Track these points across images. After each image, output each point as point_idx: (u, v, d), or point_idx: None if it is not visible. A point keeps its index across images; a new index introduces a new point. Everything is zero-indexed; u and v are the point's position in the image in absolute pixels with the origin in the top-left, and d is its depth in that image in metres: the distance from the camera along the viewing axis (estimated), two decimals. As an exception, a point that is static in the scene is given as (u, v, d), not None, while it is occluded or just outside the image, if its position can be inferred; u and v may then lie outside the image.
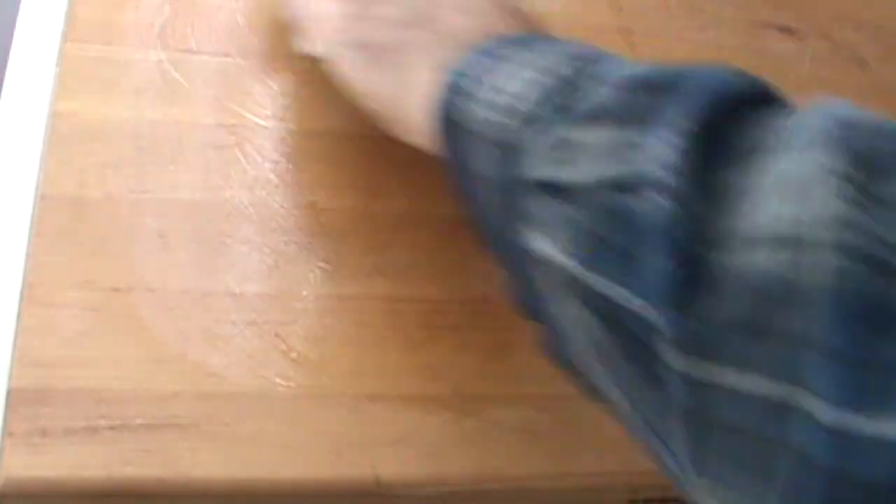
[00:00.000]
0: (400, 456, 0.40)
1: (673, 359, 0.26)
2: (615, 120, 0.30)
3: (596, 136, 0.30)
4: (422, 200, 0.46)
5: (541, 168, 0.31)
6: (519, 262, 0.33)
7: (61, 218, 0.41)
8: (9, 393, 0.37)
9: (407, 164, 0.47)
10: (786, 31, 0.58)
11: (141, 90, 0.45)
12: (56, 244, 0.41)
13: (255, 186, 0.44)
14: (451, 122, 0.36)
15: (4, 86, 0.44)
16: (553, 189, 0.31)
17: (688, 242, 0.26)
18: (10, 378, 0.38)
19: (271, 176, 0.45)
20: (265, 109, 0.46)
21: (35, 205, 0.41)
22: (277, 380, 0.40)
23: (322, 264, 0.43)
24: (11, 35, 0.45)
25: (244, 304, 0.42)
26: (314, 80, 0.47)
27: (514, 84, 0.34)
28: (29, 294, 0.40)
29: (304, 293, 0.43)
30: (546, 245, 0.31)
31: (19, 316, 0.39)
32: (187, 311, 0.41)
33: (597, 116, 0.31)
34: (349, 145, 0.47)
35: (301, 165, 0.45)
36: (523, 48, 0.36)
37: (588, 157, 0.30)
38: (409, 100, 0.39)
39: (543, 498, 0.44)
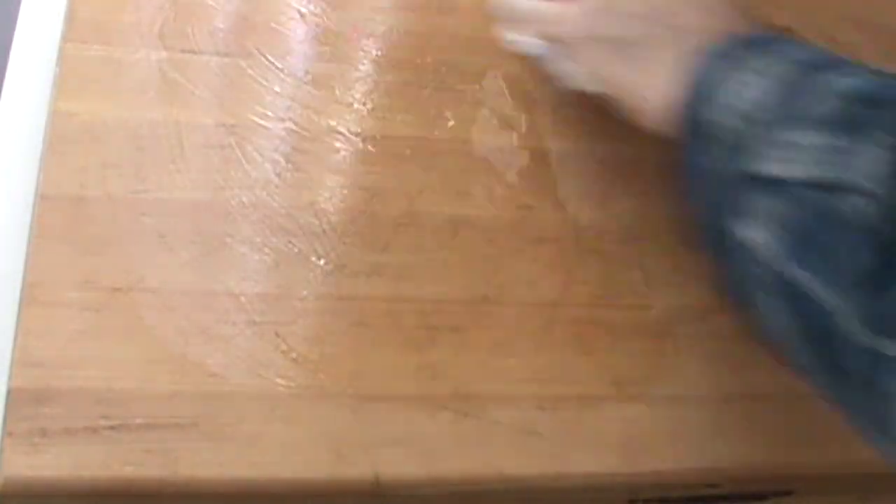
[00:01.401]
0: (400, 456, 0.40)
1: (861, 338, 0.30)
2: (832, 127, 0.33)
3: (813, 140, 0.34)
4: (423, 200, 0.46)
5: (759, 164, 0.35)
6: (730, 251, 0.37)
7: (61, 218, 0.41)
8: (9, 393, 0.38)
9: (407, 164, 0.47)
10: (786, 31, 0.58)
11: (141, 90, 0.45)
12: (56, 244, 0.41)
13: (255, 186, 0.44)
14: (692, 123, 0.39)
15: (4, 86, 0.44)
16: (768, 184, 0.34)
17: (889, 241, 0.30)
18: (10, 378, 0.38)
19: (271, 176, 0.45)
20: (265, 109, 0.46)
21: (35, 205, 0.41)
22: (277, 380, 0.40)
23: (322, 264, 0.43)
24: (11, 35, 0.45)
25: (244, 304, 0.42)
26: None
27: (751, 91, 0.37)
28: (29, 294, 0.40)
29: (304, 293, 0.43)
30: (755, 234, 0.35)
31: (19, 316, 0.39)
32: (187, 311, 0.41)
33: (817, 122, 0.34)
34: (352, 146, 0.47)
35: (301, 165, 0.45)
36: (758, 53, 0.38)
37: (803, 158, 0.33)
38: (649, 92, 0.42)
39: (543, 498, 0.44)
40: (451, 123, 0.48)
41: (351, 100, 0.48)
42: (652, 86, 0.42)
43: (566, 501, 0.45)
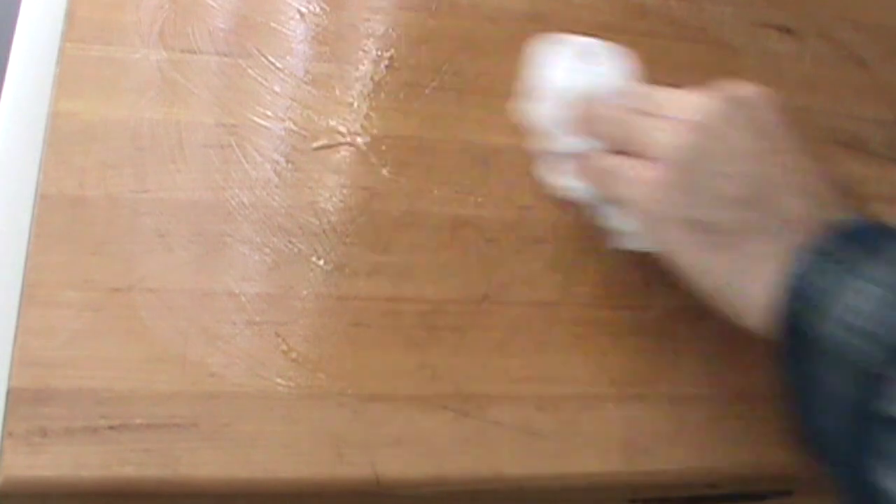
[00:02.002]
0: (400, 456, 0.40)
1: None
2: None
3: None
4: (423, 200, 0.46)
5: (892, 404, 0.32)
6: (864, 494, 0.33)
7: (61, 218, 0.41)
8: (9, 393, 0.38)
9: (407, 164, 0.47)
10: (786, 31, 0.58)
11: (141, 90, 0.45)
12: (56, 244, 0.41)
13: (255, 186, 0.44)
14: (799, 334, 0.36)
15: (4, 86, 0.44)
16: None
17: None
18: (10, 378, 0.38)
19: (271, 176, 0.45)
20: (265, 109, 0.46)
21: (35, 205, 0.41)
22: (277, 380, 0.40)
23: (322, 264, 0.43)
24: (11, 35, 0.45)
25: (244, 304, 0.42)
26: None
27: (867, 303, 0.34)
28: (29, 294, 0.40)
29: (304, 293, 0.43)
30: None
31: (19, 316, 0.39)
32: (187, 311, 0.41)
33: None
34: (350, 145, 0.47)
35: (301, 165, 0.45)
36: (868, 254, 0.36)
37: None
38: (748, 289, 0.39)
39: (543, 498, 0.44)
40: (450, 123, 0.48)
41: (351, 100, 0.48)
42: (749, 284, 0.38)
43: (566, 501, 0.45)
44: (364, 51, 0.49)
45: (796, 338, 0.36)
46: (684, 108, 0.42)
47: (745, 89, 0.42)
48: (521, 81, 0.49)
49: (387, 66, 0.49)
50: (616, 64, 0.48)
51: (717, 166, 0.40)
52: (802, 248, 0.37)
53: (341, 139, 0.47)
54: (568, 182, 0.47)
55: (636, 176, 0.42)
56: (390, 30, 0.50)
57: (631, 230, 0.44)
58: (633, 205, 0.42)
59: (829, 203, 0.39)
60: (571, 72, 0.48)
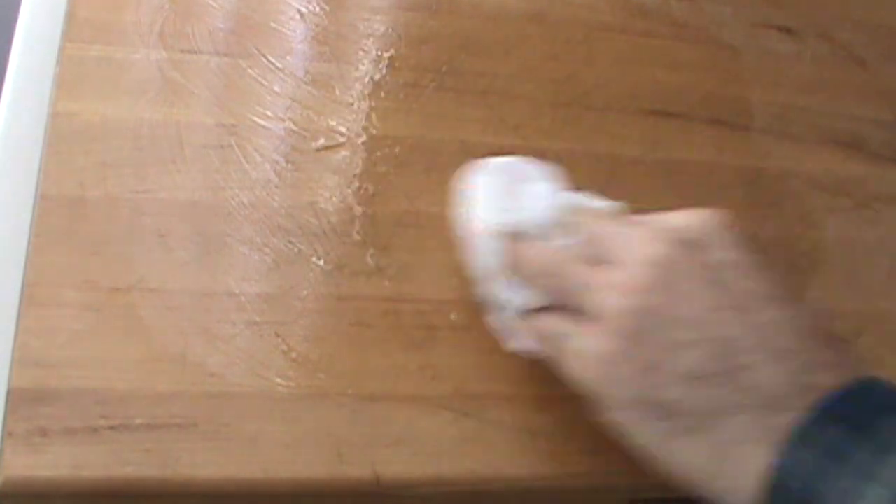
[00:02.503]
0: (400, 456, 0.40)
1: None
2: None
3: None
4: (423, 200, 0.46)
5: None
6: None
7: (61, 218, 0.41)
8: (9, 393, 0.38)
9: (407, 164, 0.47)
10: (786, 31, 0.58)
11: (141, 90, 0.45)
12: (56, 244, 0.41)
13: (255, 186, 0.44)
14: None
15: (4, 86, 0.44)
16: None
17: None
18: (10, 378, 0.38)
19: (271, 176, 0.45)
20: (265, 109, 0.46)
21: (35, 205, 0.41)
22: (277, 380, 0.40)
23: (322, 264, 0.43)
24: (11, 35, 0.45)
25: (244, 304, 0.42)
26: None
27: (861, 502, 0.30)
28: (29, 294, 0.40)
29: (304, 293, 0.43)
30: None
31: (19, 316, 0.39)
32: (187, 311, 0.41)
33: None
34: (352, 146, 0.47)
35: (301, 165, 0.45)
36: (857, 438, 0.31)
37: None
38: (728, 478, 0.33)
39: (543, 498, 0.44)
40: (450, 123, 0.48)
41: (351, 100, 0.48)
42: (729, 473, 0.33)
43: (566, 501, 0.45)
44: (364, 51, 0.49)
45: None
46: (627, 257, 0.36)
47: (693, 223, 0.37)
48: (451, 221, 0.45)
49: (387, 66, 0.49)
50: (548, 186, 0.42)
51: (672, 333, 0.34)
52: (785, 435, 0.32)
53: (341, 139, 0.47)
54: (521, 342, 0.41)
55: (580, 348, 0.36)
56: (390, 30, 0.50)
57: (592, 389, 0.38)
58: (582, 380, 0.37)
59: (812, 364, 0.34)
60: (500, 203, 0.42)
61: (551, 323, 0.39)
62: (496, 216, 0.42)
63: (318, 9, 0.50)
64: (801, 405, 0.32)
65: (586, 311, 0.37)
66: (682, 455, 0.34)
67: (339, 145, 0.46)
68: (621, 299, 0.35)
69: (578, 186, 0.42)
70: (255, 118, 0.46)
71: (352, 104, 0.48)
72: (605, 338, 0.35)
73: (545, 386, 0.43)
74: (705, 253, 0.36)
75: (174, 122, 0.44)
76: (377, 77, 0.49)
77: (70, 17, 0.46)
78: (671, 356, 0.34)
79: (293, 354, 0.41)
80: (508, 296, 0.41)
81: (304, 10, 0.49)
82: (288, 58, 0.48)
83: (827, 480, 0.31)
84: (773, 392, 0.33)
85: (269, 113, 0.46)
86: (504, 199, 0.42)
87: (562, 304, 0.39)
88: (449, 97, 0.49)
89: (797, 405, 0.32)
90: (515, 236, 0.41)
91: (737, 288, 0.35)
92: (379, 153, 0.47)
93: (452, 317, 0.44)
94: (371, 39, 0.50)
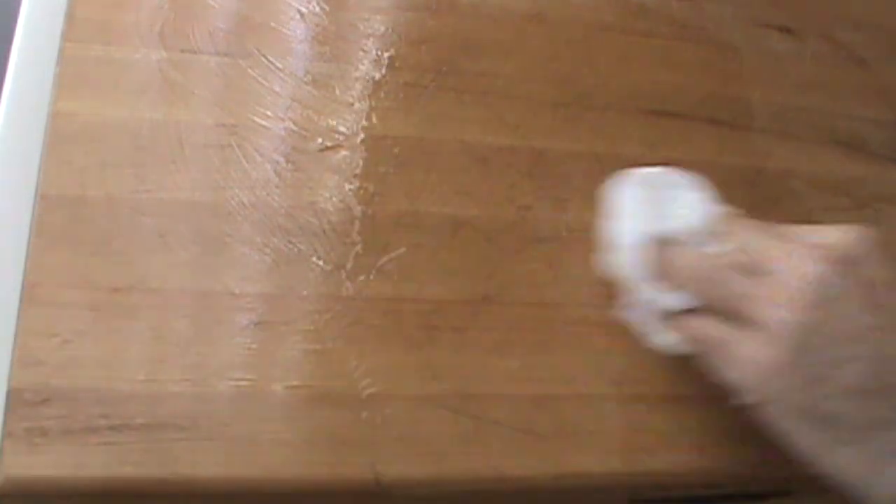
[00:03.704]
0: (400, 456, 0.40)
1: None
2: None
3: None
4: (423, 200, 0.46)
5: None
6: None
7: (61, 218, 0.41)
8: (9, 393, 0.38)
9: (407, 164, 0.47)
10: (786, 31, 0.58)
11: (141, 90, 0.45)
12: (56, 244, 0.41)
13: (255, 186, 0.44)
14: None
15: (4, 86, 0.44)
16: None
17: None
18: (10, 378, 0.38)
19: (271, 176, 0.45)
20: (265, 109, 0.46)
21: (35, 205, 0.41)
22: (277, 380, 0.40)
23: (322, 264, 0.43)
24: (11, 35, 0.45)
25: (244, 304, 0.42)
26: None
27: None
28: (29, 294, 0.40)
29: (304, 293, 0.43)
30: None
31: (19, 316, 0.39)
32: (187, 311, 0.41)
33: None
34: (352, 146, 0.47)
35: (301, 165, 0.45)
36: None
37: None
38: (883, 488, 0.36)
39: (543, 498, 0.44)
40: (450, 123, 0.48)
41: (351, 100, 0.48)
42: (878, 483, 0.36)
43: (566, 501, 0.45)
44: (364, 51, 0.49)
45: None
46: (786, 272, 0.38)
47: (847, 240, 0.38)
48: (599, 230, 0.47)
49: (387, 66, 0.49)
50: (695, 195, 0.44)
51: (835, 350, 0.37)
52: None
53: (341, 139, 0.47)
54: (665, 339, 0.44)
55: (746, 356, 0.38)
56: (390, 30, 0.50)
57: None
58: (744, 385, 0.39)
59: None
60: (649, 212, 0.44)
61: (708, 326, 0.41)
62: (646, 225, 0.44)
63: (318, 9, 0.50)
64: None
65: (746, 319, 0.39)
66: (841, 463, 0.37)
67: (339, 145, 0.46)
68: (786, 313, 0.37)
69: (723, 199, 0.44)
70: (255, 118, 0.46)
71: (352, 104, 0.48)
72: (771, 348, 0.37)
73: (545, 386, 0.43)
74: (860, 271, 0.38)
75: (174, 122, 0.44)
76: (377, 77, 0.49)
77: (70, 17, 0.46)
78: (834, 371, 0.36)
79: (293, 354, 0.41)
80: (655, 297, 0.43)
81: (304, 10, 0.49)
82: (288, 58, 0.48)
83: None
84: None
85: (269, 113, 0.46)
86: (653, 208, 0.44)
87: (713, 309, 0.41)
88: (449, 97, 0.49)
89: None
90: (666, 243, 0.43)
91: (891, 306, 0.37)
92: (379, 153, 0.47)
93: (452, 317, 0.44)
94: (371, 39, 0.50)
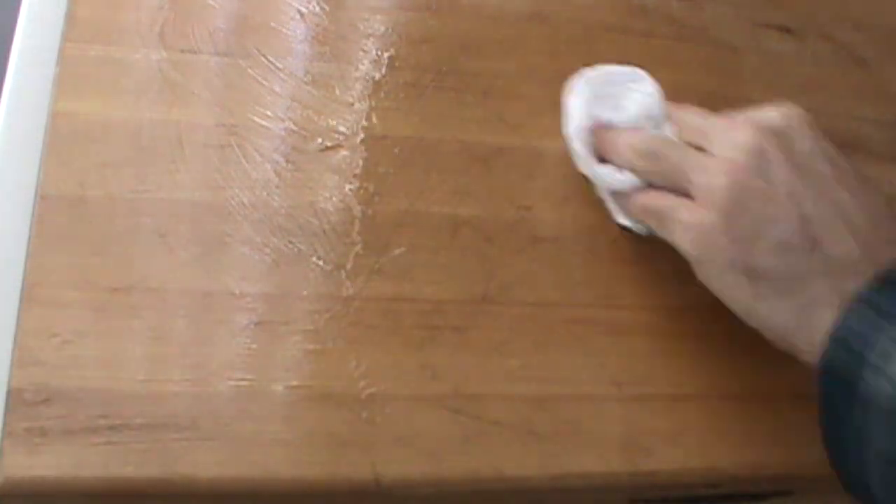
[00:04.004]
0: (400, 456, 0.40)
1: None
2: None
3: None
4: (423, 200, 0.46)
5: None
6: None
7: (61, 218, 0.41)
8: (9, 393, 0.38)
9: (407, 164, 0.47)
10: (786, 31, 0.58)
11: (141, 90, 0.45)
12: (56, 244, 0.41)
13: (255, 186, 0.44)
14: (842, 383, 0.36)
15: (4, 86, 0.44)
16: None
17: None
18: (10, 378, 0.38)
19: (271, 176, 0.45)
20: (265, 109, 0.46)
21: (35, 205, 0.41)
22: (277, 380, 0.40)
23: (322, 264, 0.43)
24: (11, 35, 0.45)
25: (244, 304, 0.42)
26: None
27: None
28: (29, 294, 0.40)
29: (304, 293, 0.43)
30: None
31: (19, 316, 0.39)
32: (187, 311, 0.41)
33: None
34: (352, 146, 0.47)
35: (301, 165, 0.45)
36: None
37: None
38: (805, 335, 0.39)
39: (543, 498, 0.44)
40: (450, 123, 0.48)
41: (351, 100, 0.48)
42: (807, 329, 0.39)
43: (566, 501, 0.45)
44: (364, 51, 0.49)
45: (836, 385, 0.37)
46: (723, 144, 0.42)
47: (777, 116, 0.42)
48: (560, 119, 0.49)
49: (387, 66, 0.49)
50: (644, 89, 0.47)
51: (763, 209, 0.40)
52: (851, 299, 0.37)
53: (341, 139, 0.47)
54: (626, 220, 0.47)
55: (685, 219, 0.42)
56: (390, 30, 0.50)
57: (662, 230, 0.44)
58: (685, 248, 0.42)
59: (881, 239, 0.39)
60: (595, 104, 0.47)
61: (655, 198, 0.44)
62: (591, 115, 0.47)
63: (318, 9, 0.50)
64: (869, 274, 0.38)
65: (687, 189, 0.42)
66: (768, 314, 0.40)
67: (339, 145, 0.46)
68: (721, 178, 0.40)
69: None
70: (255, 118, 0.46)
71: (352, 104, 0.48)
72: (707, 211, 0.41)
73: (545, 386, 0.43)
74: (791, 141, 0.41)
75: (174, 122, 0.44)
76: (377, 77, 0.49)
77: (70, 17, 0.46)
78: (763, 229, 0.40)
79: (293, 354, 0.41)
80: (607, 179, 0.46)
81: (304, 10, 0.49)
82: (288, 58, 0.48)
83: (879, 334, 0.36)
84: (846, 262, 0.39)
85: (269, 113, 0.46)
86: (599, 101, 0.47)
87: (660, 185, 0.44)
88: (449, 97, 0.49)
89: (866, 274, 0.38)
90: (612, 127, 0.46)
91: (817, 172, 0.41)
92: (379, 153, 0.47)
93: (452, 317, 0.44)
94: (371, 39, 0.50)
